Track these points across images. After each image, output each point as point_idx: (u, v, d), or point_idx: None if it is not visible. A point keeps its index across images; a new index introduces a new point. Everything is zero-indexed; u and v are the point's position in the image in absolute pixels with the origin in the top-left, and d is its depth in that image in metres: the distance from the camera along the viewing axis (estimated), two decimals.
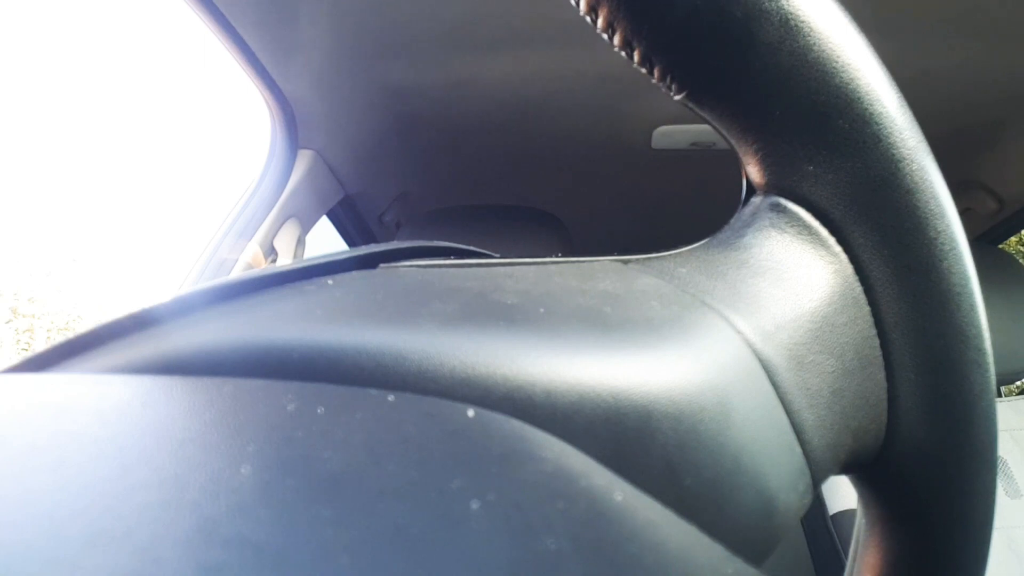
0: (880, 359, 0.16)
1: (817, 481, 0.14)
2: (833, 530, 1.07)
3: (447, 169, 1.27)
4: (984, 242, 1.32)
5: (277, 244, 1.06)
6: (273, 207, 1.03)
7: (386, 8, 0.67)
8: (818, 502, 1.11)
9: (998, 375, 1.08)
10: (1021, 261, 1.10)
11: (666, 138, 1.15)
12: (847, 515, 1.05)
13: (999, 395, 1.31)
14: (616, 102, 1.05)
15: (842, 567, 0.22)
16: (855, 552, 0.20)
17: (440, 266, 0.15)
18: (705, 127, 1.11)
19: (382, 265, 0.15)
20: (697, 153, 1.19)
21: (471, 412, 0.10)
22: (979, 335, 0.16)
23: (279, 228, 1.05)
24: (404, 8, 0.81)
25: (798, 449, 0.14)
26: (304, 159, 1.05)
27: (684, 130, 1.12)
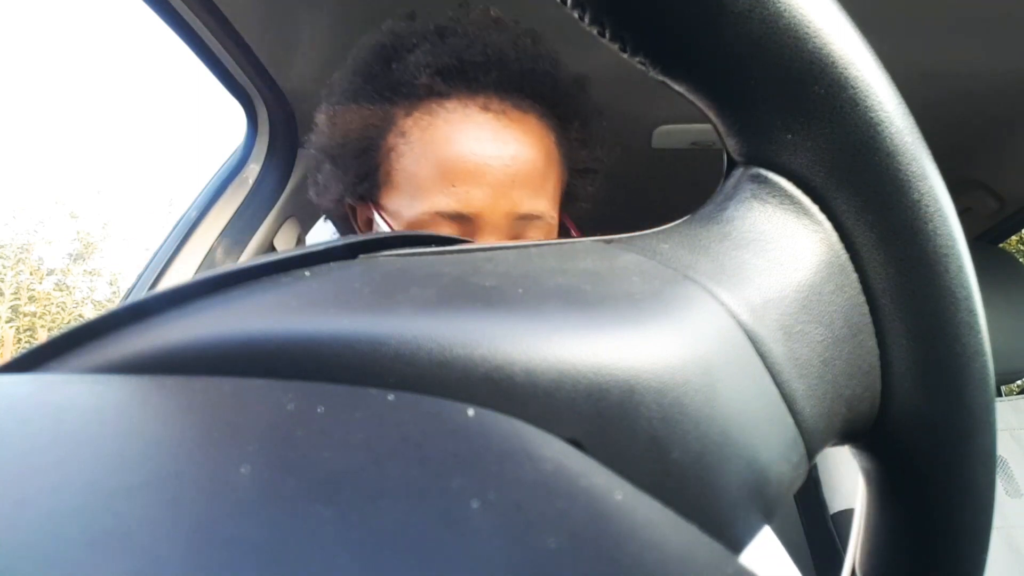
0: (870, 326, 0.15)
1: (812, 452, 0.14)
2: (833, 530, 1.07)
3: None
4: (984, 242, 1.32)
5: (277, 243, 1.06)
6: (273, 207, 1.03)
7: (386, 8, 0.67)
8: (818, 502, 1.11)
9: (998, 375, 1.08)
10: (1021, 261, 1.10)
11: (666, 138, 1.15)
12: (847, 515, 1.05)
13: (999, 395, 1.31)
14: (616, 102, 1.04)
15: (842, 567, 0.22)
16: (857, 528, 0.20)
17: (420, 254, 0.15)
18: (705, 127, 1.11)
19: (361, 256, 0.15)
20: (698, 153, 1.19)
21: (471, 411, 0.10)
22: (969, 296, 0.15)
23: (279, 228, 1.05)
24: (404, 8, 0.81)
25: (789, 420, 0.14)
26: (304, 159, 1.05)
27: (684, 130, 1.12)
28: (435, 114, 0.48)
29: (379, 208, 0.51)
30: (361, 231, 0.56)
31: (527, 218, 0.48)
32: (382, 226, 0.50)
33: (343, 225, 0.58)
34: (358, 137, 0.50)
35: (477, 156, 0.47)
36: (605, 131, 0.57)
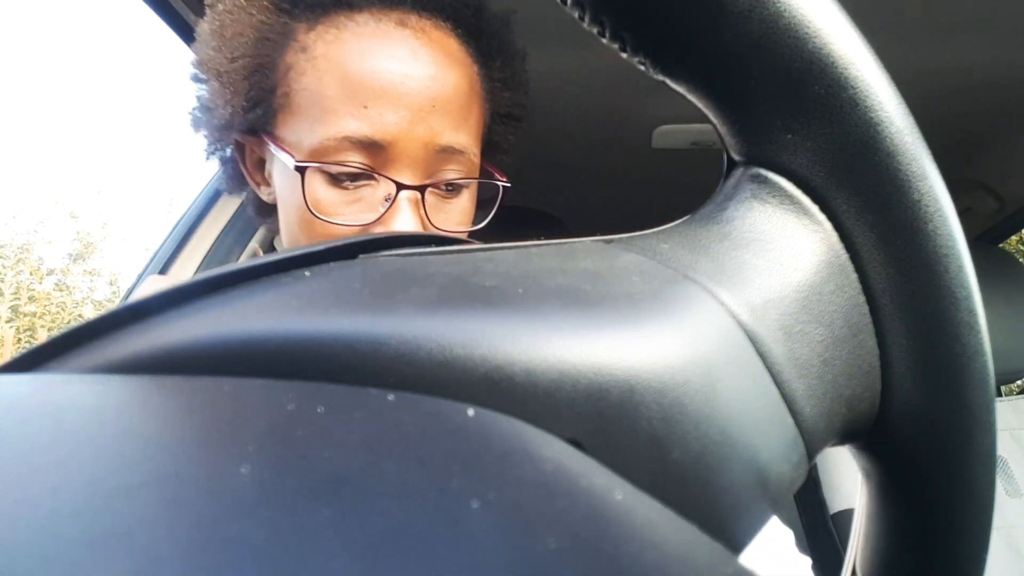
0: (870, 326, 0.15)
1: (812, 452, 0.14)
2: (833, 530, 1.07)
3: None
4: (984, 242, 1.32)
5: (277, 244, 1.06)
6: None
7: None
8: (818, 502, 1.11)
9: (998, 375, 1.08)
10: (1021, 261, 1.11)
11: (666, 138, 1.15)
12: (847, 515, 1.05)
13: (999, 395, 1.31)
14: (616, 102, 1.05)
15: (842, 567, 0.22)
16: (858, 528, 0.20)
17: (420, 254, 0.15)
18: (705, 127, 1.11)
19: (361, 256, 0.15)
20: (697, 153, 1.19)
21: (471, 411, 0.10)
22: (969, 296, 0.15)
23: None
24: None
25: (789, 420, 0.14)
26: None
27: (684, 130, 1.12)
28: (343, 27, 0.42)
29: (275, 139, 0.44)
30: (250, 173, 0.49)
31: (448, 151, 0.43)
32: (279, 156, 0.43)
33: (230, 166, 0.50)
34: (251, 53, 0.43)
35: (393, 74, 0.41)
36: (527, 76, 0.52)
